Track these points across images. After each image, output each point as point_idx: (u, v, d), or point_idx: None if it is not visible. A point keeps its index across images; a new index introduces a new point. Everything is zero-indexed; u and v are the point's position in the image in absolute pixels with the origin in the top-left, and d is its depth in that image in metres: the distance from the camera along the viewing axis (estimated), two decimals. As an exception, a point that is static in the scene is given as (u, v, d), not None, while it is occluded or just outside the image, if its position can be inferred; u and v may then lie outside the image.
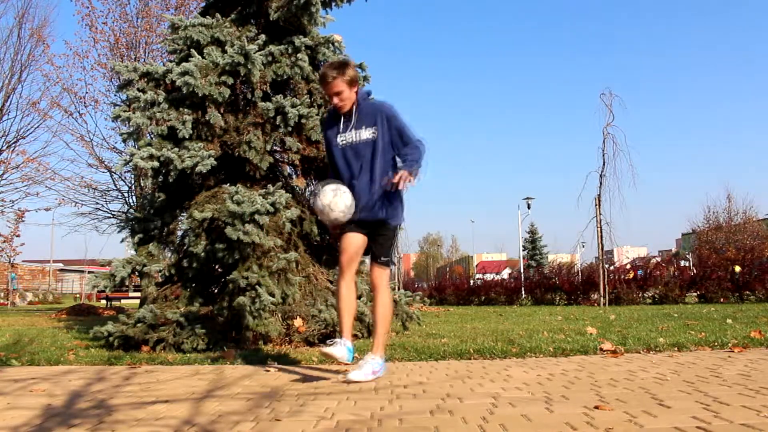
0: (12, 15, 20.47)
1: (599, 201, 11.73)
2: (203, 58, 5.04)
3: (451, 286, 17.76)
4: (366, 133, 3.10)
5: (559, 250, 50.33)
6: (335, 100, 3.09)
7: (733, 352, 3.66)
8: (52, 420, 2.17)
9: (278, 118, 5.00)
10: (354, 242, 3.10)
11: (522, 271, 20.60)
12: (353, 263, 3.13)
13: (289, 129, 5.06)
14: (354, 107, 3.13)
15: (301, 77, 5.29)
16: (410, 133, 3.13)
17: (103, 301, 17.60)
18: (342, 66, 3.08)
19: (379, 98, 3.24)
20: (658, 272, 12.94)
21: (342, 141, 3.15)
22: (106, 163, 13.98)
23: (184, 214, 5.24)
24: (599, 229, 11.72)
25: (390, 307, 3.23)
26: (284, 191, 4.62)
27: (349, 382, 2.87)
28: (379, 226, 3.13)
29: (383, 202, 3.09)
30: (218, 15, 5.45)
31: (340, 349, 2.91)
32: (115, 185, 14.12)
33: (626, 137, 23.35)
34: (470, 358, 3.75)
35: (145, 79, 5.19)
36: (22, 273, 33.66)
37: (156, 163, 4.69)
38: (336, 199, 2.96)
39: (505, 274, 25.73)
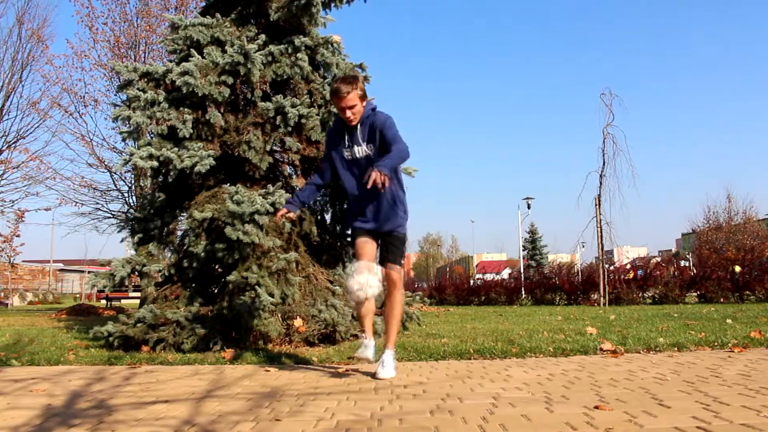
0: (12, 15, 20.51)
1: (599, 201, 11.71)
2: (203, 57, 5.05)
3: (451, 286, 17.72)
4: (369, 149, 3.14)
5: (559, 250, 50.42)
6: (348, 114, 3.10)
7: (733, 352, 3.66)
8: (52, 420, 2.17)
9: (278, 118, 5.01)
10: (369, 250, 3.18)
11: (522, 271, 20.58)
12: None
13: (289, 129, 5.06)
14: (361, 122, 3.15)
15: (301, 77, 5.30)
16: (394, 138, 3.08)
17: (103, 301, 17.60)
18: (354, 80, 3.11)
19: (379, 99, 3.26)
20: (658, 272, 12.92)
21: (348, 156, 3.19)
22: (106, 163, 13.97)
23: (184, 214, 5.24)
24: (599, 229, 11.72)
25: (402, 304, 3.45)
26: (284, 191, 4.62)
27: (380, 379, 3.00)
28: (389, 235, 3.22)
29: (390, 213, 3.18)
30: (218, 15, 5.46)
31: (370, 350, 3.12)
32: (115, 185, 14.11)
33: (626, 137, 23.22)
34: (470, 358, 3.75)
35: (145, 79, 5.19)
36: (22, 273, 33.62)
37: (155, 163, 4.69)
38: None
39: (505, 274, 25.70)
